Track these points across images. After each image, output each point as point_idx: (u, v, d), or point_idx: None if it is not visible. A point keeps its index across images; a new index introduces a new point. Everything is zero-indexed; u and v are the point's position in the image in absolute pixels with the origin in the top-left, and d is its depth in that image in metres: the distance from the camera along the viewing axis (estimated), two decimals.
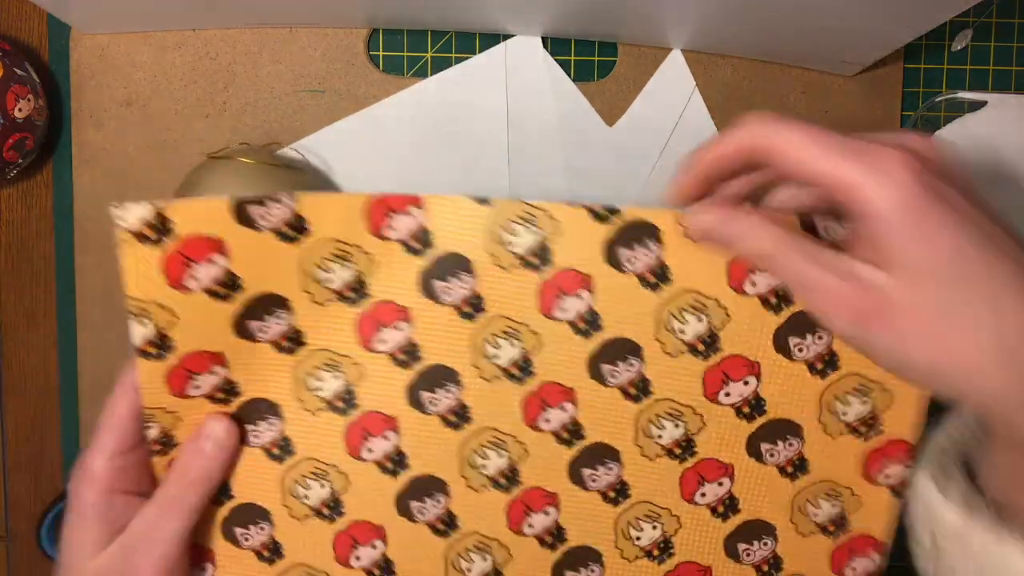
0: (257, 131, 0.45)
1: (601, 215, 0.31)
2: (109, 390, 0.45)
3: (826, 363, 0.32)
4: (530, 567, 0.35)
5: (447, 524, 0.34)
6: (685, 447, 0.33)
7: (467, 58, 0.45)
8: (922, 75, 0.47)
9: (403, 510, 0.34)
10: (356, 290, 0.32)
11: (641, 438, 0.33)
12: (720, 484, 0.34)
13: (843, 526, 0.34)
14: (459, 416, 0.33)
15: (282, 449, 0.33)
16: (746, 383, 0.32)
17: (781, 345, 0.32)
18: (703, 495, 0.34)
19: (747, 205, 0.30)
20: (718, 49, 0.45)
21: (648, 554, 0.35)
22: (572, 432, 0.33)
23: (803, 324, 0.32)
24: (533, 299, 0.32)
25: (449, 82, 0.45)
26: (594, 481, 0.34)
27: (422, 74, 0.46)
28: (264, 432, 0.33)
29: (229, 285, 0.31)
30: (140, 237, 0.29)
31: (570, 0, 0.41)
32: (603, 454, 0.33)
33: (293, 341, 0.32)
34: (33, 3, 0.41)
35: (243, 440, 0.33)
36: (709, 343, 0.32)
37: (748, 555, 0.35)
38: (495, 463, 0.33)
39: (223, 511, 0.33)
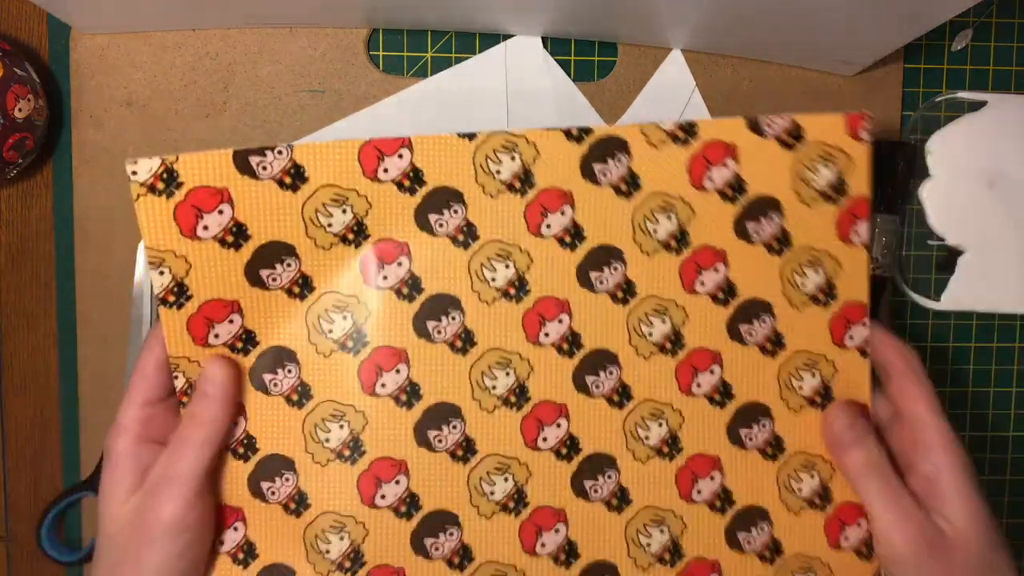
0: (257, 131, 0.45)
1: (575, 135, 0.34)
2: (109, 390, 0.45)
3: (780, 241, 0.35)
4: (550, 481, 0.36)
5: (465, 450, 0.35)
6: (675, 341, 0.36)
7: (467, 58, 0.45)
8: (922, 75, 0.47)
9: (422, 440, 0.35)
10: (356, 232, 0.34)
11: (635, 338, 0.35)
12: (712, 372, 0.36)
13: (827, 395, 0.36)
14: (465, 340, 0.35)
15: (301, 395, 0.34)
16: (716, 270, 0.35)
17: (741, 231, 0.35)
18: (699, 385, 0.36)
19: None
20: (718, 49, 0.45)
21: (659, 452, 0.36)
22: (571, 342, 0.35)
23: (756, 209, 0.35)
24: (520, 220, 0.34)
25: (449, 82, 0.45)
26: (598, 388, 0.35)
27: (422, 74, 0.46)
28: (283, 380, 0.34)
29: (237, 234, 0.33)
30: (152, 189, 0.31)
31: (570, 0, 0.41)
32: (603, 359, 0.35)
33: (303, 286, 0.34)
34: (33, 3, 0.41)
35: (264, 391, 0.34)
36: (680, 238, 0.35)
37: (750, 439, 0.36)
38: (503, 382, 0.35)
39: (249, 467, 0.34)
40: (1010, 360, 0.48)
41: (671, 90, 0.46)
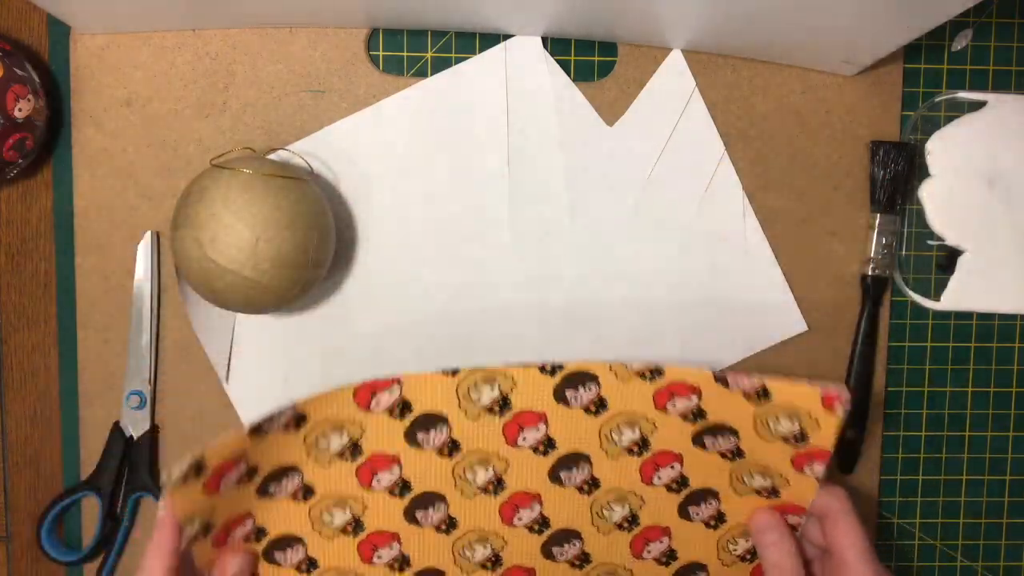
0: (257, 131, 0.45)
1: (549, 370, 0.38)
2: (109, 390, 0.45)
3: (734, 454, 0.39)
4: None
5: None
6: (631, 520, 0.41)
7: (467, 58, 0.45)
8: (922, 75, 0.47)
9: None
10: (352, 451, 0.38)
11: (596, 520, 0.41)
12: (661, 542, 0.42)
13: (754, 560, 0.42)
14: (449, 524, 0.40)
15: (309, 565, 0.40)
16: (672, 468, 0.40)
17: (699, 442, 0.40)
18: (649, 551, 0.42)
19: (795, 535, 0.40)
20: (718, 49, 0.45)
21: None
22: (541, 523, 0.41)
23: (714, 429, 0.39)
24: (499, 435, 0.39)
25: (449, 82, 0.45)
26: (562, 555, 0.42)
27: (422, 74, 0.46)
28: (290, 556, 0.40)
29: (250, 473, 0.37)
30: (184, 481, 0.33)
31: (570, 0, 0.41)
32: (567, 535, 0.41)
33: (307, 492, 0.39)
34: (33, 3, 0.41)
35: (276, 563, 0.39)
36: (642, 444, 0.40)
37: None
38: (481, 553, 0.41)
39: None
40: (1010, 360, 0.48)
41: (671, 90, 0.46)
